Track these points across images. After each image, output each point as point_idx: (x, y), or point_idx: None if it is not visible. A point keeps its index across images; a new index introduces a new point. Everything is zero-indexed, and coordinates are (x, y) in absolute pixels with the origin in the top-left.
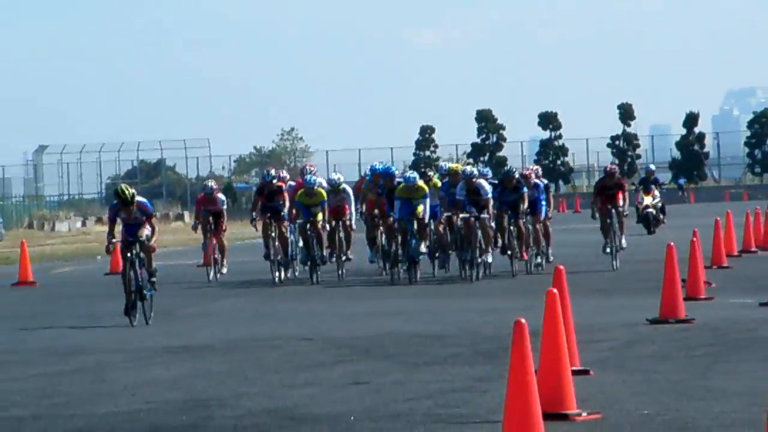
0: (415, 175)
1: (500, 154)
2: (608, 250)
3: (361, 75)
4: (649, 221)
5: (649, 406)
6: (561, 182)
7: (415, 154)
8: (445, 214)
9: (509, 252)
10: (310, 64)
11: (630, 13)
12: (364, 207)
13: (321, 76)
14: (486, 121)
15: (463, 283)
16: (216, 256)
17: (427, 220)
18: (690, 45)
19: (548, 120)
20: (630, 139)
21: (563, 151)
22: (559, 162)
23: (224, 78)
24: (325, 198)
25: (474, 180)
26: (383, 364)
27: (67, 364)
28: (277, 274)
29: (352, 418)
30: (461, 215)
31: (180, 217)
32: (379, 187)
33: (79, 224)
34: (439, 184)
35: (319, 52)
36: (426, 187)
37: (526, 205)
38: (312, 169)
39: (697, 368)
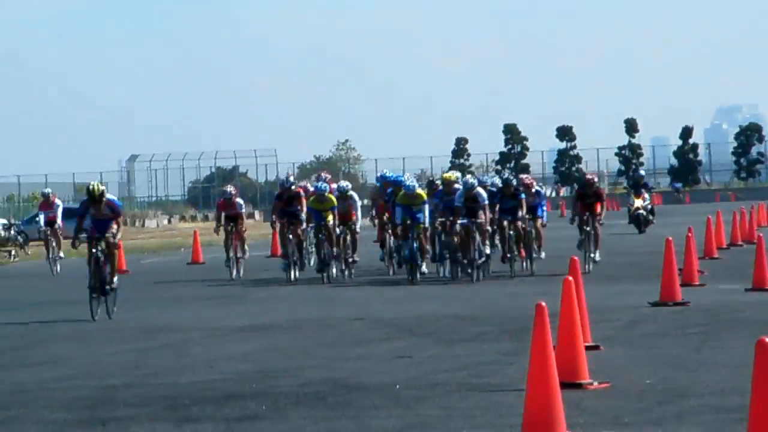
0: (415, 183)
1: (524, 161)
2: (582, 249)
3: (405, 94)
4: (639, 221)
5: (651, 377)
6: (576, 186)
7: (451, 162)
8: (439, 220)
9: (509, 256)
10: (362, 85)
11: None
12: (373, 211)
13: (371, 95)
14: (512, 133)
15: (466, 283)
16: (238, 255)
17: (426, 225)
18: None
19: (564, 132)
20: (634, 149)
21: (578, 159)
22: (573, 168)
23: (290, 95)
24: (335, 203)
25: (473, 191)
26: (423, 341)
27: (155, 340)
28: (292, 273)
29: (397, 386)
30: (459, 221)
31: (251, 216)
32: (387, 194)
33: (165, 221)
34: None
35: (370, 76)
36: (425, 195)
37: (524, 210)
38: (325, 176)
39: (691, 344)
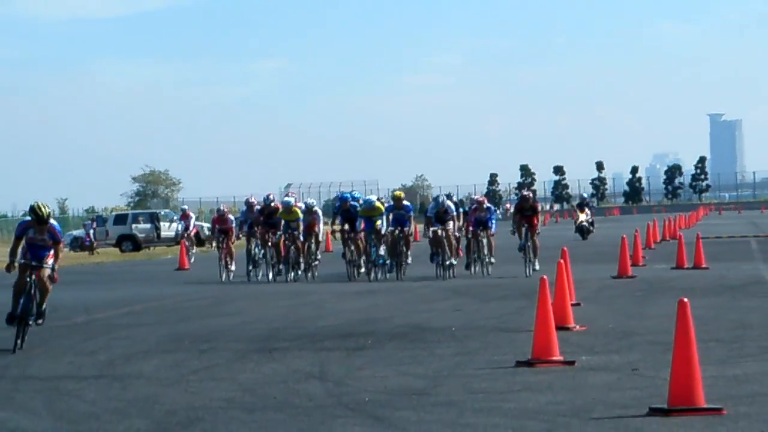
0: (373, 198)
1: (533, 188)
2: (523, 246)
3: (458, 141)
4: (583, 231)
5: (612, 323)
6: (565, 204)
7: (487, 188)
8: (389, 228)
9: (476, 257)
10: (432, 131)
11: (600, 106)
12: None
13: (438, 140)
14: (525, 170)
15: (437, 280)
16: (228, 261)
17: (383, 232)
18: (635, 127)
19: (558, 169)
20: (602, 180)
21: (565, 187)
22: (564, 193)
23: (390, 130)
24: (300, 216)
25: (443, 207)
26: (469, 300)
27: (301, 300)
28: (269, 273)
29: (453, 329)
30: (432, 228)
31: None
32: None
33: None
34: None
35: (440, 126)
36: (382, 207)
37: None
38: (292, 193)
39: (638, 302)
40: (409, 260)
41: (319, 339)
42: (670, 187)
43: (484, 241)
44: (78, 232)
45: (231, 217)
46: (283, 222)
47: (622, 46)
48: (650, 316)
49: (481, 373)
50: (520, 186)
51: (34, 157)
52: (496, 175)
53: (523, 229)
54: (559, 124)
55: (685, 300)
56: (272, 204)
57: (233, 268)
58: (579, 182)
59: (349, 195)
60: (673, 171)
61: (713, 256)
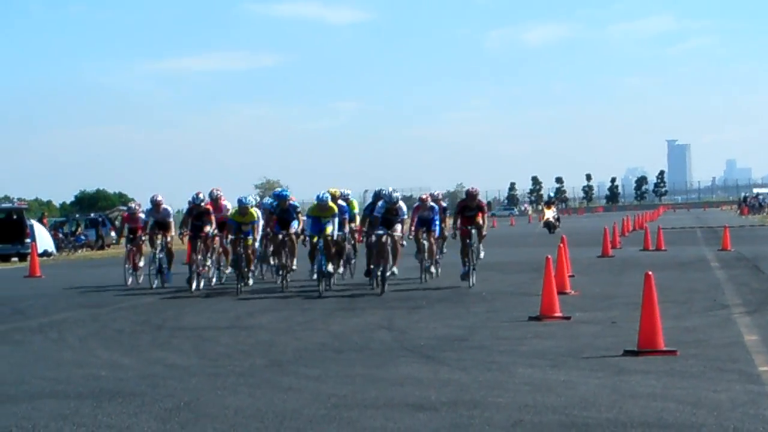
0: (328, 195)
1: (540, 193)
2: (465, 269)
3: (485, 159)
4: (550, 226)
5: (595, 289)
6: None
7: (508, 193)
8: (381, 232)
9: (421, 258)
10: (466, 151)
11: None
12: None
13: (470, 158)
14: (535, 180)
15: (372, 295)
16: (136, 262)
17: (335, 238)
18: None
19: (559, 179)
20: (590, 187)
21: (564, 192)
22: (563, 196)
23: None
24: (256, 218)
25: (395, 205)
26: (493, 273)
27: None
28: (193, 283)
29: (483, 293)
30: (376, 232)
31: None
32: (271, 207)
33: None
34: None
35: (472, 147)
36: (336, 208)
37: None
38: (217, 191)
39: (615, 274)
40: (396, 270)
41: (387, 301)
42: (639, 192)
43: (425, 244)
44: None
45: (142, 216)
46: (229, 225)
47: (602, 91)
48: (625, 284)
49: (504, 325)
50: (532, 192)
51: (185, 172)
52: (514, 183)
53: (472, 234)
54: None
55: (650, 273)
56: (202, 204)
57: (141, 263)
58: (573, 189)
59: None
60: (641, 180)
61: (670, 242)
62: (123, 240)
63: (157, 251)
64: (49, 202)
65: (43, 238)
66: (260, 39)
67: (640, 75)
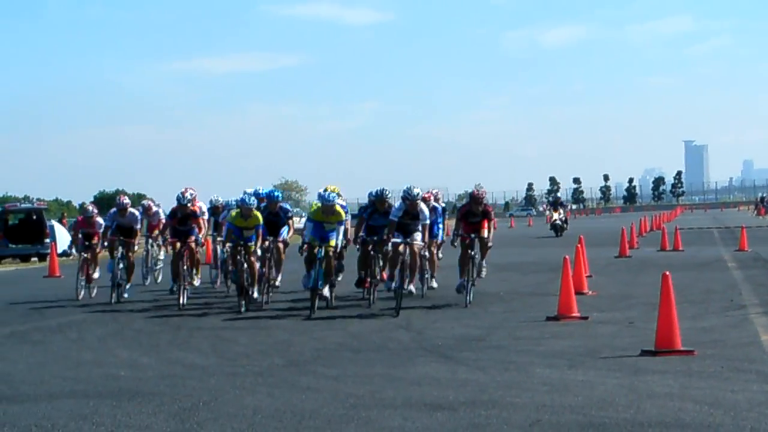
0: (335, 195)
1: (558, 194)
2: (464, 285)
3: (503, 158)
4: (556, 228)
5: (613, 289)
6: (582, 205)
7: (526, 194)
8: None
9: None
10: (485, 151)
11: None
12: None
13: (489, 157)
14: (553, 180)
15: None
16: (90, 273)
17: (337, 250)
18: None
19: (576, 180)
20: (608, 188)
21: (581, 192)
22: (581, 197)
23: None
24: (261, 222)
25: (416, 203)
26: (512, 274)
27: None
28: (181, 298)
29: (501, 293)
30: (392, 240)
31: None
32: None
33: None
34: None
35: (491, 147)
36: (343, 213)
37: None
38: (192, 192)
39: (632, 274)
40: (434, 284)
41: (406, 301)
42: (656, 193)
43: (426, 254)
44: None
45: (99, 220)
46: (228, 229)
47: (620, 92)
48: (642, 285)
49: (522, 325)
50: (549, 192)
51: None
52: (532, 183)
53: (474, 243)
54: (576, 146)
55: (667, 273)
56: (188, 205)
57: (96, 275)
58: (591, 189)
59: (274, 193)
60: (659, 181)
61: (687, 242)
62: (74, 249)
63: (116, 260)
64: (68, 203)
65: (63, 239)
66: (280, 40)
67: (658, 75)
